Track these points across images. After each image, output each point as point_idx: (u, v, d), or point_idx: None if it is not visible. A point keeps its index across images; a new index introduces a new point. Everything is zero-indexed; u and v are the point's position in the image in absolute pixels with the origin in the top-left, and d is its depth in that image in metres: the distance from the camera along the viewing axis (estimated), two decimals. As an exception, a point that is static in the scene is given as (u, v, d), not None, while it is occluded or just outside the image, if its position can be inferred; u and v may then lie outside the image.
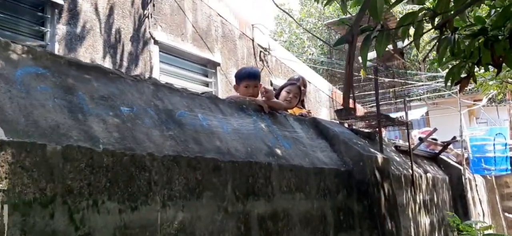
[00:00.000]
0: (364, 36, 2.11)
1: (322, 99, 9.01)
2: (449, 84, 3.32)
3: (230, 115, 2.66)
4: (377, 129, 5.28)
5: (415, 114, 13.48)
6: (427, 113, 16.38)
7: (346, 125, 4.97)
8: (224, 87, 6.00)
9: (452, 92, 10.79)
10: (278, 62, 7.53)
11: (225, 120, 2.55)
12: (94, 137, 1.53)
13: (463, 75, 3.33)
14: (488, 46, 2.49)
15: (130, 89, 2.02)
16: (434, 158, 7.07)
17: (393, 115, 5.35)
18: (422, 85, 14.88)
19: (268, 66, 7.22)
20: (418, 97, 16.68)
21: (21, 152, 1.24)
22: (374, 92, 5.29)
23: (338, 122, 4.69)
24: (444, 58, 3.14)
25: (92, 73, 1.87)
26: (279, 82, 6.84)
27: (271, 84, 7.02)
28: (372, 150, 3.90)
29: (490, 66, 3.43)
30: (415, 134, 7.44)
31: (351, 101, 5.69)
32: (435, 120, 16.09)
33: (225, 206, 2.06)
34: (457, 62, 3.18)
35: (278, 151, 2.75)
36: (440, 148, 7.19)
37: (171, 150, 1.85)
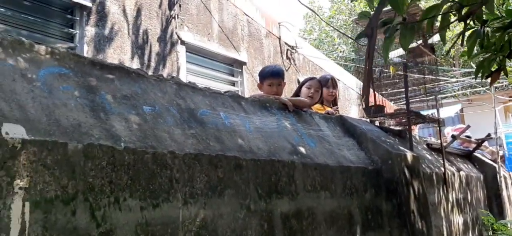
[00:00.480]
0: (385, 30, 2.07)
1: (351, 97, 8.90)
2: (479, 77, 3.23)
3: (252, 113, 2.66)
4: (408, 127, 5.19)
5: (449, 111, 13.16)
6: (461, 110, 15.97)
7: (377, 123, 4.89)
8: (250, 86, 6.01)
9: (487, 89, 10.47)
10: (305, 60, 7.48)
11: (248, 118, 2.55)
12: (116, 136, 1.56)
13: (493, 69, 3.23)
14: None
15: (153, 88, 2.05)
16: (468, 156, 6.88)
17: (425, 113, 5.22)
18: (456, 81, 14.51)
19: (295, 64, 7.18)
20: (452, 94, 16.28)
21: (42, 150, 1.27)
22: (410, 88, 5.20)
23: (366, 120, 4.63)
24: (474, 51, 3.05)
25: (115, 73, 1.90)
26: (307, 80, 6.79)
27: (298, 82, 6.99)
28: (401, 148, 3.83)
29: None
30: (448, 131, 7.26)
31: (380, 98, 5.60)
32: (469, 117, 15.66)
33: (247, 204, 2.06)
34: (488, 55, 3.08)
35: (302, 150, 2.73)
36: (474, 145, 6.99)
37: (193, 148, 1.86)
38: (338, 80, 8.43)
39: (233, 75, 6.21)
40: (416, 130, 11.15)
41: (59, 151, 1.31)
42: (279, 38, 6.95)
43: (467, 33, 2.49)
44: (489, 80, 3.32)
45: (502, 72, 3.22)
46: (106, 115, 1.62)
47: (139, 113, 1.82)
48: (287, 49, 7.10)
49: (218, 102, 2.43)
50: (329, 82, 4.31)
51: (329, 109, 4.13)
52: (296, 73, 7.18)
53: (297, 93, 3.89)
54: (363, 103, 2.50)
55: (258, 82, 3.48)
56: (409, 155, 3.67)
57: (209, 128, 2.12)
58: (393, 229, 3.32)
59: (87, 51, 4.00)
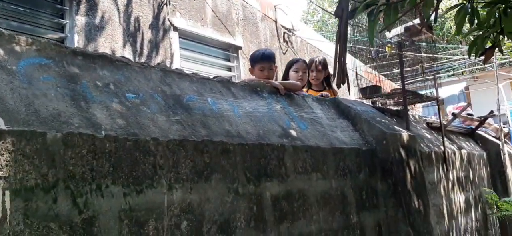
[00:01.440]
0: (369, 12, 2.08)
1: (351, 78, 8.86)
2: (473, 55, 3.24)
3: (242, 98, 2.69)
4: (409, 105, 5.21)
5: (452, 89, 13.13)
6: (466, 88, 15.92)
7: (378, 104, 4.90)
8: (246, 70, 6.02)
9: (490, 65, 10.43)
10: (303, 42, 7.48)
11: (237, 103, 2.58)
12: (96, 124, 1.60)
13: (488, 46, 3.23)
14: (508, 14, 2.40)
15: (137, 76, 2.09)
16: (470, 134, 6.89)
17: (425, 92, 5.23)
18: (461, 59, 14.45)
19: (293, 47, 7.18)
20: (455, 72, 16.21)
21: (21, 140, 1.32)
22: (409, 69, 5.20)
23: (363, 101, 4.65)
24: (467, 29, 3.06)
25: (97, 62, 1.94)
26: (306, 63, 6.78)
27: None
28: (397, 128, 3.86)
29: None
30: (450, 110, 7.26)
31: (378, 78, 5.61)
32: (475, 95, 15.62)
33: (235, 188, 2.10)
34: (480, 32, 3.09)
35: (293, 133, 2.77)
36: (476, 123, 6.99)
37: (177, 134, 1.90)
38: (355, 70, 8.44)
39: (229, 60, 6.22)
40: (419, 110, 11.15)
41: (38, 141, 1.36)
42: (276, 21, 6.95)
43: (455, 10, 2.50)
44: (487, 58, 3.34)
45: (496, 49, 3.24)
46: (87, 104, 1.66)
47: (121, 101, 1.86)
48: (284, 32, 7.09)
49: (206, 88, 2.46)
50: (312, 65, 4.32)
51: (323, 92, 4.15)
52: (294, 56, 7.19)
53: (285, 78, 3.91)
54: (336, 82, 2.50)
55: (249, 67, 3.51)
56: (404, 134, 3.70)
57: (196, 114, 2.16)
58: (389, 209, 3.37)
59: (78, 40, 4.04)
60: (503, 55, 6.56)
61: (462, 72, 16.78)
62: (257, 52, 3.48)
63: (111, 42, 4.29)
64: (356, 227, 2.98)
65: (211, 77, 2.68)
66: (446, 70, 16.39)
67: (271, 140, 2.46)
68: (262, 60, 3.32)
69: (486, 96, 12.32)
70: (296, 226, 2.46)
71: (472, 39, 3.21)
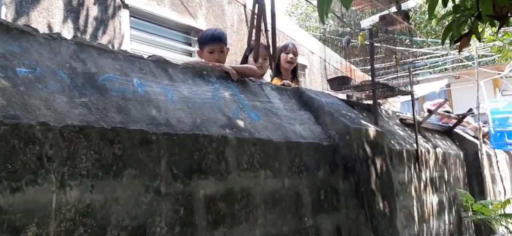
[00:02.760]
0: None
1: (330, 72, 8.58)
2: (447, 43, 2.99)
3: (181, 81, 2.38)
4: (381, 100, 4.96)
5: (433, 86, 12.99)
6: (448, 86, 15.85)
7: (358, 98, 4.63)
8: (210, 56, 5.68)
9: (472, 63, 10.30)
10: (276, 30, 7.13)
11: (173, 87, 2.27)
12: (-44, 102, 1.28)
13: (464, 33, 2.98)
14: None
15: (40, 48, 1.76)
16: (447, 133, 6.71)
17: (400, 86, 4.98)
18: (442, 56, 14.34)
19: (263, 35, 6.84)
20: (436, 69, 16.14)
21: None
22: (387, 64, 4.96)
23: (331, 93, 4.39)
24: (440, 13, 2.80)
25: (-17, 28, 1.61)
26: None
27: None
28: (364, 122, 3.59)
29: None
30: (428, 106, 7.07)
31: (350, 69, 5.36)
32: (456, 93, 15.55)
33: (156, 187, 1.80)
34: (457, 16, 2.84)
35: (240, 123, 2.47)
36: (454, 121, 6.81)
37: (78, 119, 1.58)
38: (312, 52, 8.14)
39: (190, 45, 5.85)
40: (396, 106, 10.98)
41: None
42: (245, 6, 6.61)
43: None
44: (470, 47, 3.09)
45: (473, 35, 2.99)
46: None
47: (8, 76, 1.53)
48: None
49: (133, 68, 2.14)
50: (288, 47, 4.03)
51: (286, 81, 3.86)
52: (268, 47, 6.84)
53: (243, 62, 3.61)
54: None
55: (197, 49, 3.20)
56: (371, 130, 3.44)
57: (112, 97, 1.84)
58: (350, 210, 3.10)
59: (5, 14, 3.65)
60: (480, 42, 6.36)
61: (445, 68, 16.70)
62: (206, 32, 3.16)
63: (46, 16, 3.91)
64: (310, 231, 2.71)
65: (146, 56, 2.37)
66: (428, 66, 16.32)
67: (210, 131, 2.16)
68: (212, 41, 3.00)
69: (467, 95, 12.22)
70: (236, 231, 2.17)
71: (447, 24, 2.96)
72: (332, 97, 3.87)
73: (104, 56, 2.02)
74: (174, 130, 1.95)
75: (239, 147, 2.30)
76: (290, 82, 3.82)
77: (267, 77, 4.29)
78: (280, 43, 7.20)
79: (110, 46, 4.64)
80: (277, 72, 4.05)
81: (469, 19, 2.85)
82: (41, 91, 1.57)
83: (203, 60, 2.99)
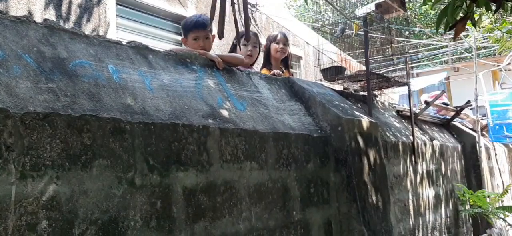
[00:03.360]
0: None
1: (325, 62, 8.49)
2: (441, 29, 2.89)
3: (162, 69, 2.28)
4: (376, 91, 4.87)
5: (432, 79, 12.89)
6: (448, 78, 15.77)
7: (355, 89, 4.54)
8: (201, 46, 5.55)
9: (471, 55, 10.19)
10: (269, 20, 7.03)
11: (153, 74, 2.17)
12: None
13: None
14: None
15: (4, 30, 1.66)
16: (445, 125, 6.62)
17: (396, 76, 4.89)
18: (441, 47, 14.24)
19: (257, 25, 6.73)
20: (435, 60, 16.04)
21: None
22: (387, 57, 4.86)
23: (324, 83, 4.29)
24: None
25: None
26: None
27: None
28: (357, 113, 3.50)
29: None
30: (426, 98, 6.97)
31: (344, 59, 5.25)
32: (456, 85, 15.47)
33: (130, 178, 1.71)
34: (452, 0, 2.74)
35: (225, 113, 2.38)
36: (452, 113, 6.72)
37: (43, 106, 1.49)
38: (308, 43, 8.02)
39: (180, 34, 5.72)
40: (395, 98, 10.89)
41: None
42: (238, -5, 6.46)
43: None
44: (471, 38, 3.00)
45: (468, 21, 2.89)
46: None
47: (-35, 59, 1.44)
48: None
49: (109, 53, 2.05)
50: (278, 37, 3.93)
51: (276, 70, 3.76)
52: (258, 34, 6.73)
53: (232, 51, 3.51)
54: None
55: (182, 36, 3.11)
56: (364, 121, 3.35)
57: (83, 83, 1.74)
58: (341, 204, 3.02)
59: (-18, 0, 3.54)
60: (477, 29, 6.25)
61: (445, 61, 16.58)
62: (190, 18, 3.06)
63: (27, 3, 3.79)
64: (299, 225, 2.62)
65: (125, 42, 2.27)
66: (427, 58, 16.20)
67: (190, 120, 2.07)
68: (196, 27, 2.90)
69: (467, 87, 12.12)
70: (218, 225, 2.08)
71: (442, 8, 2.86)
72: (324, 87, 3.78)
73: (77, 41, 1.92)
74: (150, 119, 1.86)
75: (222, 138, 2.20)
76: (280, 72, 3.72)
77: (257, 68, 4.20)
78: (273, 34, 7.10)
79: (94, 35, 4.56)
80: (267, 63, 3.96)
81: (464, 3, 2.75)
82: (2, 76, 1.47)
83: (187, 48, 2.89)
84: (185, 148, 1.98)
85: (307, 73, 7.89)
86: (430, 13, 17.93)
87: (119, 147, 1.68)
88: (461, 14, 2.83)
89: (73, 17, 4.17)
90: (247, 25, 1.92)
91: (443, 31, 2.91)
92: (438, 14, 2.78)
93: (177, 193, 1.90)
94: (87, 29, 4.31)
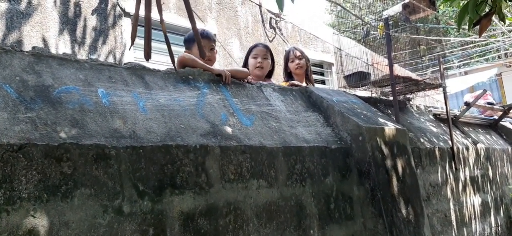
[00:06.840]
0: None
1: (351, 68, 8.28)
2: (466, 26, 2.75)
3: (159, 88, 2.27)
4: (409, 95, 4.70)
5: (481, 76, 12.39)
6: (499, 74, 15.13)
7: (383, 93, 4.40)
8: (222, 60, 5.56)
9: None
10: (295, 29, 6.95)
11: (148, 95, 2.16)
12: None
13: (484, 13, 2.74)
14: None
15: (-15, 62, 1.69)
16: (492, 126, 6.31)
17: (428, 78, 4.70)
18: (493, 42, 13.67)
19: (282, 34, 6.68)
20: (486, 57, 15.40)
21: None
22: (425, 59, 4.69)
23: (349, 90, 4.18)
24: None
25: None
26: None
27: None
28: (381, 120, 3.38)
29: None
30: (468, 99, 6.69)
31: (376, 62, 5.12)
32: (508, 82, 14.82)
33: (117, 206, 1.69)
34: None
35: (228, 130, 2.34)
36: (499, 113, 6.40)
37: (18, 137, 1.49)
38: (340, 50, 7.87)
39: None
40: (439, 101, 10.50)
41: None
42: (260, 5, 6.44)
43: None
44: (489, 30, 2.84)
45: (494, 15, 2.74)
46: None
47: None
48: (271, 17, 6.57)
49: (101, 77, 2.05)
50: (291, 54, 3.87)
51: (295, 81, 3.69)
52: (284, 44, 6.67)
53: (244, 66, 3.48)
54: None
55: (185, 50, 3.11)
56: (388, 128, 3.21)
57: (67, 110, 1.75)
58: (367, 220, 2.90)
59: (-6, 31, 3.67)
60: (505, 24, 5.94)
61: (498, 56, 15.91)
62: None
63: (40, 30, 3.89)
64: (317, 245, 2.53)
65: (119, 64, 2.27)
66: (478, 55, 15.59)
67: (186, 141, 2.03)
68: (202, 37, 2.89)
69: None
70: (221, 249, 2.03)
71: (463, 4, 2.73)
72: (347, 95, 3.68)
73: (66, 66, 1.93)
74: (139, 142, 1.84)
75: (224, 157, 2.16)
76: (298, 82, 3.65)
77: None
78: (301, 42, 7.02)
79: (111, 57, 4.64)
80: (289, 78, 3.90)
81: (488, -2, 2.62)
82: (-23, 109, 1.49)
83: (193, 56, 2.86)
84: (180, 170, 1.95)
85: (339, 79, 7.75)
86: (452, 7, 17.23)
87: (103, 174, 1.67)
88: (486, 9, 2.69)
89: (88, 40, 4.26)
90: (199, 41, 1.85)
91: (467, 28, 2.77)
92: (459, 11, 2.65)
93: (173, 219, 1.86)
94: (103, 51, 4.39)
